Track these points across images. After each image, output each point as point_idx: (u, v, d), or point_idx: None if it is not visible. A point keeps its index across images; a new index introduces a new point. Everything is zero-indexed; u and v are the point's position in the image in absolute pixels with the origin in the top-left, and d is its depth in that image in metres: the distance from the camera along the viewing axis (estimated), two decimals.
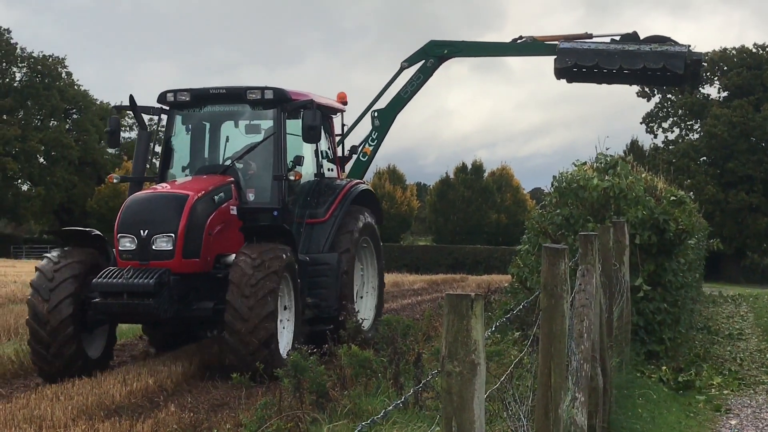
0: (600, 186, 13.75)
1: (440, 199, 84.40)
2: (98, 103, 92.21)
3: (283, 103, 14.75)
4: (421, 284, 31.26)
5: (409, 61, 21.60)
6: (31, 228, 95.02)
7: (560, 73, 21.37)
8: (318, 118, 14.53)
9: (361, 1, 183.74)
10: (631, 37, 20.94)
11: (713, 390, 12.58)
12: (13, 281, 28.46)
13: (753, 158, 69.27)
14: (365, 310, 16.44)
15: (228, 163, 14.93)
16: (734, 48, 75.29)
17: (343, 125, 17.68)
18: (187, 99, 15.02)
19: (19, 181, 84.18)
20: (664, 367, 12.94)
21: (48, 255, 13.24)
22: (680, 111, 76.17)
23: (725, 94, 74.95)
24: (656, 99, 77.06)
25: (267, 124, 15.15)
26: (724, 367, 14.23)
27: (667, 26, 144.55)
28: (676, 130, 77.22)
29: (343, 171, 17.66)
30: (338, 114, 17.17)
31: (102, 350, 13.55)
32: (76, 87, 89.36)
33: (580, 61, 20.77)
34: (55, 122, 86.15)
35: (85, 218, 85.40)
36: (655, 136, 77.75)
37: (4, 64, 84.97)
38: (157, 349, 15.15)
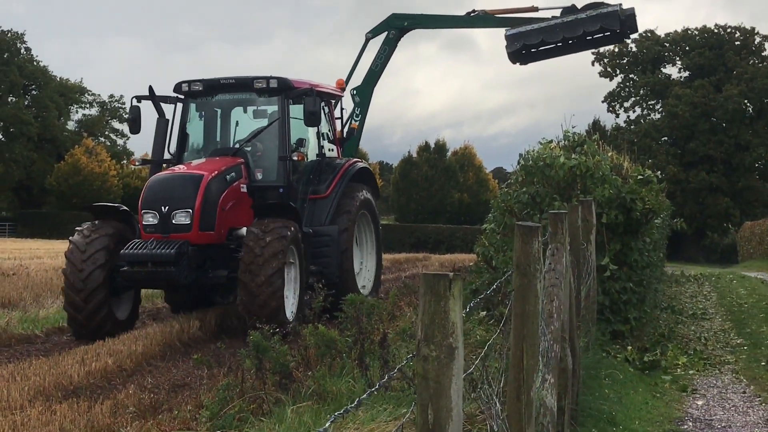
0: (567, 164, 13.61)
1: (403, 178, 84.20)
2: (58, 79, 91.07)
3: (286, 91, 16.22)
4: (384, 263, 31.05)
5: (373, 32, 23.09)
6: None
7: (513, 57, 23.18)
8: (318, 104, 16.11)
9: None
10: (570, 10, 22.59)
11: (679, 370, 12.52)
12: None
13: (714, 138, 69.62)
14: (365, 277, 18.22)
15: (238, 145, 16.44)
16: (696, 28, 75.56)
17: (342, 109, 19.17)
18: (200, 88, 16.55)
19: None
20: (629, 347, 12.84)
21: (79, 228, 14.86)
22: (642, 91, 76.34)
23: (687, 74, 75.24)
24: (618, 79, 77.23)
25: (272, 109, 16.64)
26: (689, 347, 14.20)
27: (634, 6, 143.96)
28: (638, 110, 77.50)
29: (343, 151, 18.99)
30: (337, 99, 18.73)
31: (129, 313, 15.18)
32: (35, 63, 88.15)
33: (527, 42, 22.54)
34: (14, 98, 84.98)
35: (44, 195, 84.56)
36: (617, 116, 78.01)
37: None
38: (176, 314, 16.44)
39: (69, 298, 14.30)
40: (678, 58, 76.30)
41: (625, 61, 77.36)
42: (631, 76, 77.51)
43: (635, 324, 13.78)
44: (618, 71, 77.08)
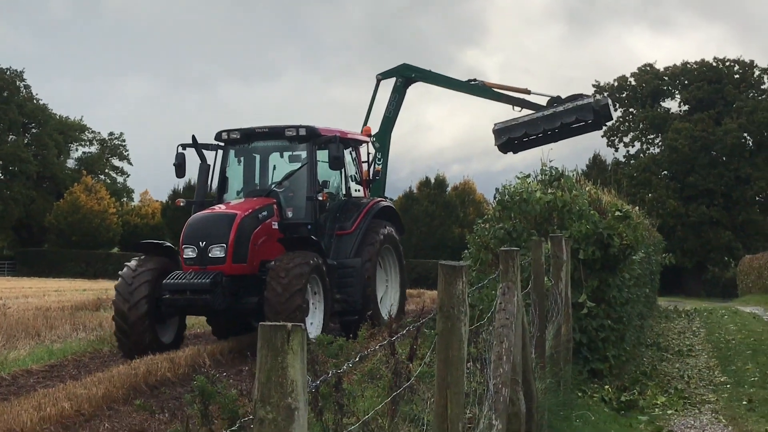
0: (543, 199, 13.34)
1: (403, 213, 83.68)
2: (57, 117, 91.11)
3: (314, 138, 18.06)
4: None
5: (383, 75, 25.26)
6: None
7: (502, 148, 25.87)
8: (341, 150, 17.69)
9: (342, 16, 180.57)
10: (555, 99, 25.14)
11: (657, 410, 12.12)
12: None
13: (714, 172, 69.37)
14: (390, 307, 19.23)
15: (272, 187, 18.17)
16: (695, 62, 75.47)
17: (368, 153, 20.69)
18: (238, 136, 18.50)
19: None
20: (607, 386, 12.47)
21: (127, 264, 16.70)
22: (641, 125, 76.19)
23: (686, 108, 75.12)
24: (618, 113, 77.01)
25: (303, 154, 18.39)
26: (670, 386, 13.82)
27: (647, 42, 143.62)
28: (638, 144, 77.24)
29: (369, 191, 20.58)
30: (364, 144, 20.46)
31: (174, 337, 16.98)
32: (35, 101, 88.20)
33: (512, 135, 25.25)
34: (13, 137, 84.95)
35: (44, 234, 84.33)
36: (617, 150, 77.77)
37: None
38: (218, 338, 18.33)
39: (118, 325, 16.14)
40: (677, 92, 76.22)
41: (624, 95, 77.28)
42: (630, 110, 77.39)
43: (614, 362, 13.42)
44: (617, 105, 76.90)
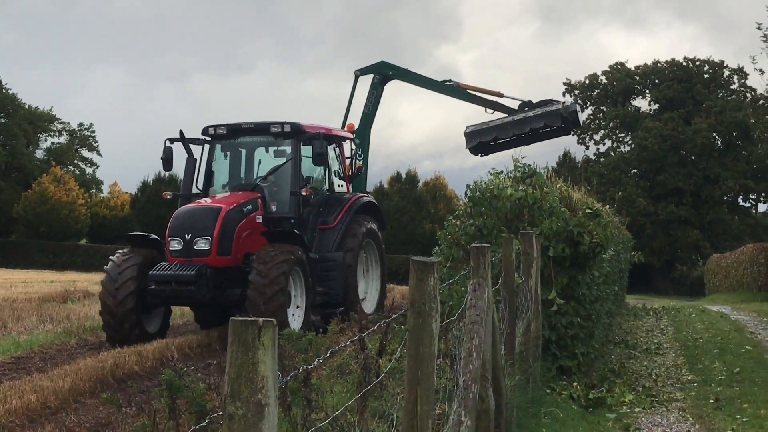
0: (514, 196, 13.35)
1: None
2: (27, 107, 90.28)
3: (298, 135, 18.47)
4: None
5: (362, 72, 25.49)
6: None
7: (473, 151, 26.27)
8: (324, 146, 18.16)
9: (318, 10, 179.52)
10: (527, 104, 25.65)
11: (625, 407, 12.17)
12: None
13: (683, 171, 69.71)
14: (370, 299, 20.13)
15: (257, 181, 18.66)
16: (666, 61, 75.80)
17: (351, 149, 21.32)
18: (224, 132, 18.87)
19: None
20: (575, 384, 12.50)
21: (112, 258, 17.14)
22: (612, 123, 76.47)
23: (656, 107, 75.43)
24: (589, 111, 77.28)
25: (288, 150, 18.83)
26: (638, 384, 13.88)
27: (621, 40, 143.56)
28: (608, 143, 77.48)
29: (352, 186, 21.00)
30: (348, 141, 21.09)
31: (159, 327, 17.43)
32: (4, 91, 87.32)
33: (483, 139, 25.68)
34: None
35: (12, 224, 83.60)
36: (587, 148, 77.93)
37: None
38: (202, 328, 18.67)
39: (105, 320, 16.59)
40: (647, 91, 76.53)
41: (595, 93, 77.54)
42: (601, 108, 77.64)
43: (583, 360, 13.46)
44: (588, 103, 77.16)
